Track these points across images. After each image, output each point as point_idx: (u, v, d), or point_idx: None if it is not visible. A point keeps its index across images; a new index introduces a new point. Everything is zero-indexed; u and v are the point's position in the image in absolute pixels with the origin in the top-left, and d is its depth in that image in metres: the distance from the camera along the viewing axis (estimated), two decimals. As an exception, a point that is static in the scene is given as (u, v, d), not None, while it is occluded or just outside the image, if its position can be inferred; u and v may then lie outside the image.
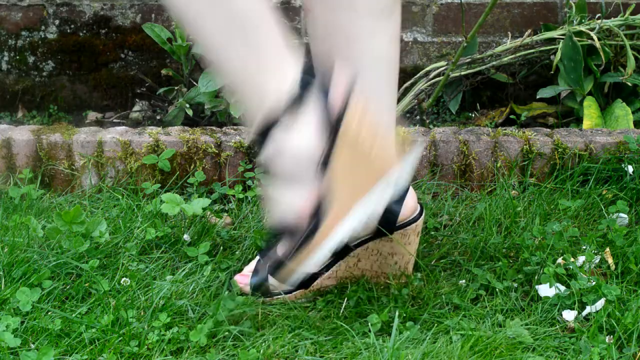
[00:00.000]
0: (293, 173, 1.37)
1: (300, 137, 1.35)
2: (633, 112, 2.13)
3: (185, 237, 1.65)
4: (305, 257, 1.38)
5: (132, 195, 1.83)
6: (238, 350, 1.35)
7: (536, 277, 1.51)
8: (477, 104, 2.35)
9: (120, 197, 1.81)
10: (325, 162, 1.35)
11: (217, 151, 1.89)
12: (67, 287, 1.50)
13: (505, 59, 2.25)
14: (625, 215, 1.72)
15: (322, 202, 1.36)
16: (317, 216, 1.36)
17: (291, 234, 1.39)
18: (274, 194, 1.40)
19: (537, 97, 2.21)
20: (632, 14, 2.21)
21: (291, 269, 1.41)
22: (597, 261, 1.56)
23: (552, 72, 2.18)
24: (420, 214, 1.50)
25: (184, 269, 1.55)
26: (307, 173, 1.36)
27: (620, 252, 1.59)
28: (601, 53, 2.11)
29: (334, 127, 1.35)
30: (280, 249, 1.45)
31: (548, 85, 2.23)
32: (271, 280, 1.49)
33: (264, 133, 1.35)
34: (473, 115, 2.30)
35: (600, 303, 1.43)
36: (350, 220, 1.36)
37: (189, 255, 1.60)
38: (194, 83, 2.22)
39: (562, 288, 1.48)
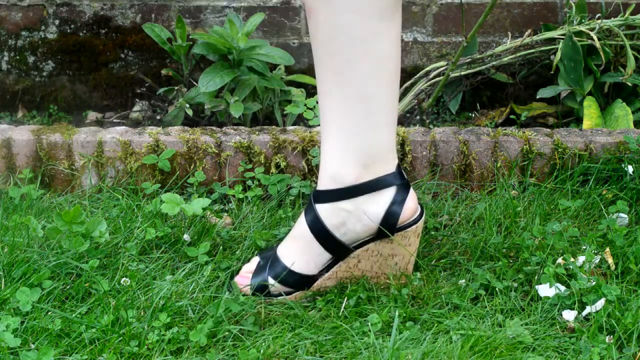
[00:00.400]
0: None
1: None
2: (633, 112, 2.13)
3: (185, 237, 1.65)
4: None
5: (132, 195, 1.83)
6: (238, 350, 1.35)
7: (536, 277, 1.51)
8: (477, 104, 2.35)
9: (120, 197, 1.81)
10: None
11: (217, 151, 1.89)
12: (67, 287, 1.50)
13: (505, 59, 2.25)
14: (625, 215, 1.72)
15: None
16: None
17: None
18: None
19: (537, 97, 2.21)
20: (632, 14, 2.21)
21: None
22: (597, 261, 1.56)
23: (552, 72, 2.18)
24: (420, 215, 1.50)
25: (184, 269, 1.55)
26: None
27: (620, 252, 1.59)
28: (601, 53, 2.11)
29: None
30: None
31: (548, 85, 2.23)
32: (271, 281, 1.49)
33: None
34: (473, 115, 2.30)
35: (600, 303, 1.43)
36: None
37: (189, 255, 1.60)
38: (194, 83, 2.22)
39: (562, 288, 1.48)
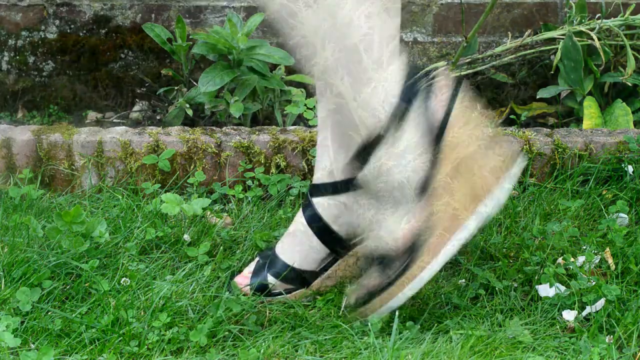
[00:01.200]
0: (395, 195, 1.34)
1: (402, 156, 1.34)
2: (633, 112, 2.13)
3: (185, 237, 1.65)
4: (398, 290, 1.36)
5: (132, 195, 1.83)
6: (238, 350, 1.35)
7: (536, 277, 1.51)
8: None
9: (120, 197, 1.81)
10: (425, 185, 1.33)
11: (217, 151, 1.89)
12: (67, 287, 1.50)
13: (505, 59, 2.25)
14: (625, 215, 1.72)
15: (421, 232, 1.34)
16: (412, 248, 1.34)
17: (385, 264, 1.37)
18: (374, 217, 1.37)
19: (537, 97, 2.21)
20: (632, 14, 2.21)
21: (381, 302, 1.38)
22: (597, 261, 1.56)
23: (552, 72, 2.18)
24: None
25: (184, 269, 1.55)
26: (409, 195, 1.33)
27: (620, 252, 1.59)
28: (601, 53, 2.11)
29: (435, 140, 1.34)
30: (369, 279, 1.41)
31: (548, 85, 2.23)
32: (271, 279, 1.49)
33: (366, 152, 1.34)
34: (473, 115, 2.30)
35: (600, 303, 1.43)
36: (445, 254, 1.35)
37: (189, 255, 1.60)
38: (194, 83, 2.22)
39: (562, 288, 1.48)
